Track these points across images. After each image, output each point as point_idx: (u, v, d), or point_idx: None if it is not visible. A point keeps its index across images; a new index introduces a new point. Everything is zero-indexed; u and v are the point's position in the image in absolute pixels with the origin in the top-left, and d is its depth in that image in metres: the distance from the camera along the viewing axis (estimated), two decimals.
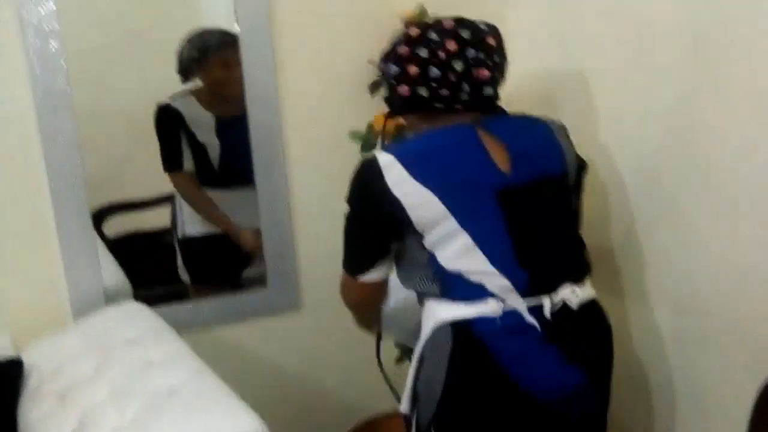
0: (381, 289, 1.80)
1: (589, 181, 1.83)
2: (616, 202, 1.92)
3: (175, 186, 2.56)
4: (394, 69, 1.66)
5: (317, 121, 2.50)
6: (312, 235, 2.54)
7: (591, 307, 1.70)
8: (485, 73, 1.62)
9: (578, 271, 1.71)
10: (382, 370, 2.04)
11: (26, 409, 1.90)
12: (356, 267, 1.74)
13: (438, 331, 1.65)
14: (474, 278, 1.61)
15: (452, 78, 1.61)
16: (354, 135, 2.46)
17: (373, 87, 2.44)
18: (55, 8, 2.09)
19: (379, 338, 2.05)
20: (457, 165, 1.62)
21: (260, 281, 2.58)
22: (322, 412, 2.56)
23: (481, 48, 1.63)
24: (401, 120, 1.86)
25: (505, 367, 1.59)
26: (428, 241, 1.62)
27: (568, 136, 1.76)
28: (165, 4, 2.47)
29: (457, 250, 1.60)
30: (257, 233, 2.53)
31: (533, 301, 1.62)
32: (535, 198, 1.66)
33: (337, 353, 2.46)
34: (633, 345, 1.96)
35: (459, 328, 1.62)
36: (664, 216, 1.79)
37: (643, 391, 1.97)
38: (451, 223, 1.59)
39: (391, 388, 2.03)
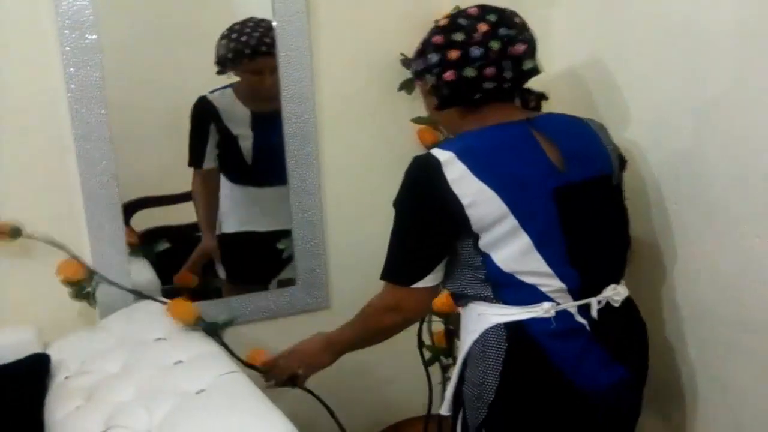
0: (434, 295, 1.75)
1: (631, 183, 1.83)
2: (651, 202, 1.89)
3: (193, 181, 2.54)
4: (434, 58, 1.65)
5: (352, 120, 2.48)
6: (343, 235, 2.51)
7: (629, 305, 1.74)
8: (521, 47, 1.63)
9: (621, 271, 1.74)
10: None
11: (52, 405, 1.88)
12: (413, 274, 1.66)
13: (490, 333, 1.63)
14: (529, 280, 1.61)
15: (493, 56, 1.61)
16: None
17: (404, 85, 2.41)
18: (90, 1, 2.07)
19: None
20: (517, 162, 1.60)
21: (290, 281, 2.57)
22: (349, 414, 2.53)
23: (510, 26, 1.64)
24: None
25: (559, 367, 1.60)
26: (484, 242, 1.60)
27: (608, 135, 1.77)
28: (201, 2, 2.45)
29: (515, 251, 1.59)
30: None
31: (581, 301, 1.64)
32: (587, 197, 1.67)
33: (363, 355, 2.43)
34: (668, 352, 1.93)
35: (513, 330, 1.61)
36: (701, 216, 1.76)
37: (677, 400, 1.94)
38: (511, 222, 1.57)
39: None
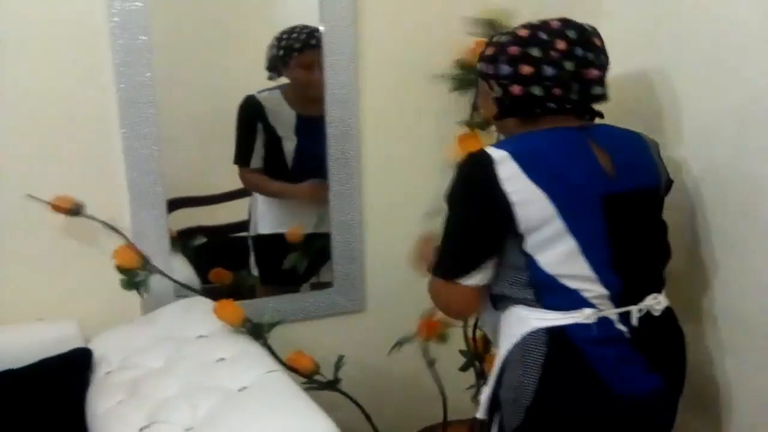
0: (484, 294, 1.74)
1: (675, 194, 1.84)
2: (696, 215, 1.89)
3: (241, 179, 2.56)
4: (506, 69, 1.64)
5: (393, 125, 2.49)
6: (381, 238, 2.52)
7: (668, 315, 1.75)
8: (595, 72, 1.64)
9: (662, 281, 1.75)
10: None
11: (95, 399, 1.90)
12: (458, 269, 1.66)
13: (530, 337, 1.64)
14: (572, 284, 1.62)
15: (565, 77, 1.61)
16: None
17: (457, 86, 2.41)
18: (143, 3, 2.10)
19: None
20: (568, 166, 1.62)
21: (326, 282, 2.58)
22: (383, 417, 2.54)
23: (588, 48, 1.64)
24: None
25: (598, 373, 1.61)
26: (529, 244, 1.61)
27: (659, 153, 1.78)
28: (252, 3, 2.47)
29: (560, 254, 1.60)
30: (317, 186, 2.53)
31: (622, 308, 1.65)
32: (634, 208, 1.68)
33: (399, 358, 2.44)
34: (706, 363, 1.94)
35: (554, 335, 1.62)
36: (748, 229, 1.76)
37: (714, 412, 1.95)
38: (558, 225, 1.58)
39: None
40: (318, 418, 1.65)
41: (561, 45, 1.61)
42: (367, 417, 2.46)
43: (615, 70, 1.71)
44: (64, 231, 2.17)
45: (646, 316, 1.68)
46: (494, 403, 1.74)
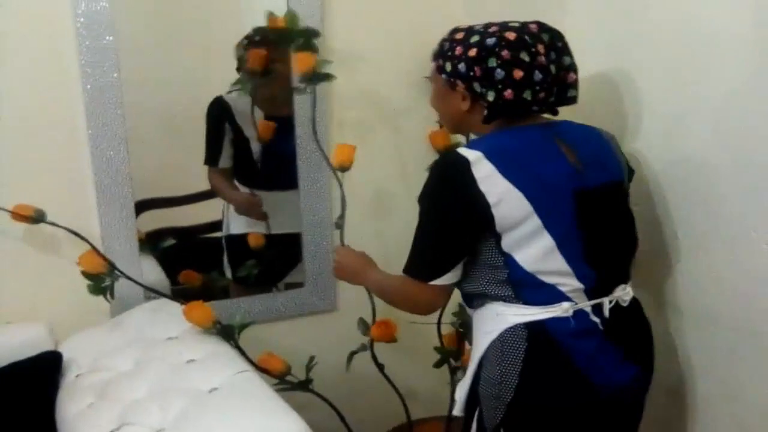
0: (450, 292, 1.77)
1: (638, 188, 1.86)
2: (661, 208, 1.91)
3: (209, 179, 2.57)
4: (500, 74, 1.63)
5: (363, 124, 2.49)
6: (352, 238, 2.52)
7: (636, 305, 1.78)
8: (572, 76, 1.68)
9: (628, 272, 1.78)
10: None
11: (65, 403, 1.89)
12: (433, 270, 1.67)
13: (509, 333, 1.65)
14: (550, 279, 1.63)
15: (550, 81, 1.64)
16: None
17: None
18: (108, 4, 2.09)
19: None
20: (540, 164, 1.63)
21: (297, 283, 2.59)
22: (356, 416, 2.54)
23: (565, 51, 1.68)
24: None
25: (579, 365, 1.63)
26: (506, 242, 1.62)
27: (618, 145, 1.81)
28: (215, 3, 2.47)
29: (538, 250, 1.62)
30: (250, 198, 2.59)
31: (594, 300, 1.67)
32: (602, 201, 1.70)
33: (370, 357, 2.45)
34: (672, 356, 1.95)
35: (533, 329, 1.64)
36: (710, 223, 1.78)
37: (681, 404, 1.96)
38: (535, 222, 1.60)
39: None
40: (289, 418, 1.65)
41: (542, 49, 1.63)
42: (340, 417, 2.47)
43: (579, 67, 1.73)
44: (31, 235, 2.16)
45: (615, 307, 1.70)
46: (472, 400, 1.75)
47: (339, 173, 2.27)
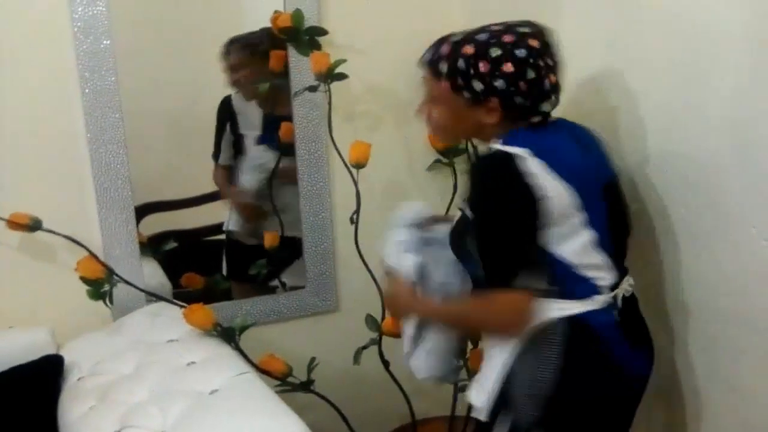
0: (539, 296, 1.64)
1: (638, 186, 1.87)
2: (660, 206, 1.91)
3: (214, 174, 2.60)
4: (540, 84, 1.62)
5: (364, 124, 2.49)
6: (352, 238, 2.52)
7: (633, 297, 1.79)
8: (554, 78, 1.66)
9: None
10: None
11: (66, 406, 1.90)
12: (521, 270, 1.57)
13: (546, 329, 1.63)
14: (587, 273, 1.65)
15: (555, 84, 1.65)
16: None
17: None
18: (105, 8, 2.10)
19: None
20: (575, 160, 1.65)
21: (299, 283, 2.59)
22: (358, 417, 2.55)
23: (557, 53, 1.68)
24: None
25: (614, 356, 1.67)
26: (550, 237, 1.60)
27: (605, 144, 1.83)
28: (213, 6, 2.47)
29: (578, 245, 1.63)
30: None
31: (614, 292, 1.70)
32: (615, 196, 1.74)
33: (373, 357, 2.45)
34: (674, 352, 1.95)
35: (574, 323, 1.64)
36: (710, 220, 1.78)
37: (682, 400, 1.96)
38: (578, 217, 1.61)
39: None
40: (289, 420, 1.65)
41: (546, 53, 1.64)
42: (343, 417, 2.47)
43: (575, 70, 1.73)
44: (30, 241, 2.16)
45: (623, 299, 1.72)
46: (500, 403, 1.69)
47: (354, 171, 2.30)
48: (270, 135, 2.53)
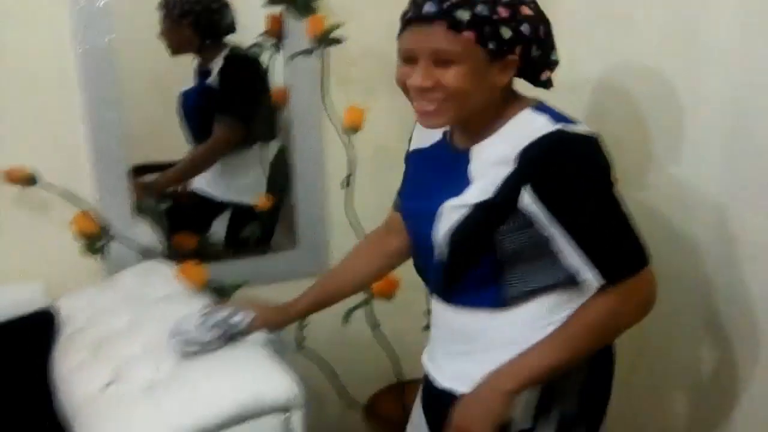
0: None
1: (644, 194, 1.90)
2: (672, 213, 1.93)
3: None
4: (551, 34, 1.50)
5: (355, 84, 2.49)
6: (356, 197, 2.53)
7: None
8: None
9: None
10: None
11: (59, 358, 1.92)
12: (645, 250, 1.46)
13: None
14: None
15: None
16: None
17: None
18: None
19: None
20: None
21: (290, 244, 2.61)
22: (348, 374, 2.58)
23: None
24: None
25: None
26: None
27: None
28: None
29: None
30: None
31: None
32: None
33: (363, 316, 2.47)
34: (675, 346, 1.98)
35: None
36: (712, 224, 1.80)
37: (685, 392, 2.00)
38: None
39: None
40: (280, 375, 1.68)
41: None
42: (332, 376, 2.50)
43: (570, 72, 1.72)
44: (24, 196, 2.17)
45: None
46: (542, 404, 1.55)
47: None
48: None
